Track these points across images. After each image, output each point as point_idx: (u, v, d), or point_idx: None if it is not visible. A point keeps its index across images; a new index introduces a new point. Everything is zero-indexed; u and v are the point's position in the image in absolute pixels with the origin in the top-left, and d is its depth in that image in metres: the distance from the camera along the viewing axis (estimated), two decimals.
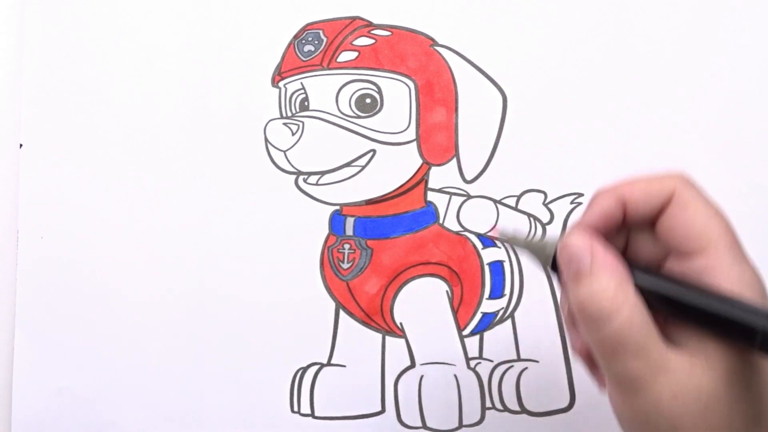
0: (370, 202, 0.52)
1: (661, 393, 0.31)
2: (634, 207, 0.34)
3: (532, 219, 0.51)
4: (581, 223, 0.35)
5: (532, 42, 0.52)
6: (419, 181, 0.52)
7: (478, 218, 0.51)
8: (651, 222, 0.34)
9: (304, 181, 0.52)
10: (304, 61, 0.52)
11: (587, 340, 0.33)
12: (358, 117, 0.52)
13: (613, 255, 0.33)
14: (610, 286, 0.32)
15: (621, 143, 0.50)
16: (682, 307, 0.32)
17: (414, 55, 0.52)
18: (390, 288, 0.51)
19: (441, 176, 0.51)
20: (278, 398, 0.51)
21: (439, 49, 0.52)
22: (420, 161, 0.52)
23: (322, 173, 0.52)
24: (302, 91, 0.52)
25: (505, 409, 0.50)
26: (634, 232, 0.35)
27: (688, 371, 0.31)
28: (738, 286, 0.32)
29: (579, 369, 0.50)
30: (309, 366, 0.51)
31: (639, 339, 0.31)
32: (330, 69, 0.52)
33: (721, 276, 0.32)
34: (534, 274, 0.51)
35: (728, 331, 0.31)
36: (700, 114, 0.49)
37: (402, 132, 0.52)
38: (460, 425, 0.50)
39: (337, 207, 0.52)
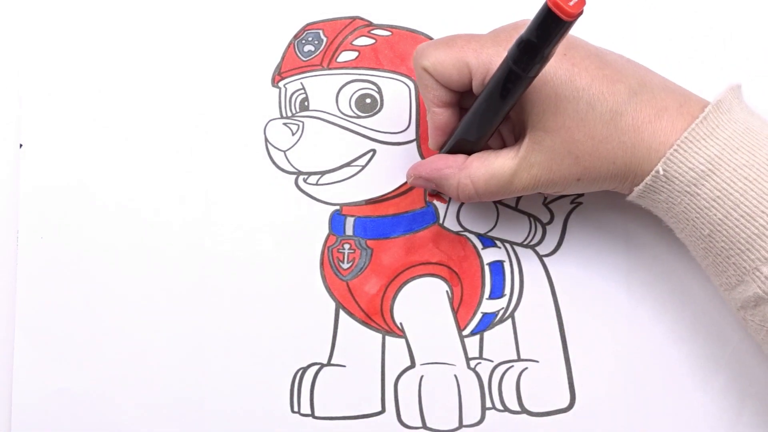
0: (370, 202, 0.52)
1: (513, 181, 0.44)
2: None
3: (532, 219, 0.51)
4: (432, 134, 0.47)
5: None
6: None
7: (478, 218, 0.51)
8: None
9: (304, 181, 0.52)
10: (304, 61, 0.52)
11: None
12: (358, 117, 0.52)
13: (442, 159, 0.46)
14: (453, 184, 0.46)
15: None
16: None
17: None
18: (390, 288, 0.51)
19: None
20: (278, 398, 0.51)
21: None
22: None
23: (322, 173, 0.52)
24: (302, 91, 0.52)
25: (505, 409, 0.50)
26: None
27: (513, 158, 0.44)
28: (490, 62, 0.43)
29: (579, 369, 0.50)
30: (309, 366, 0.51)
31: (489, 188, 0.45)
32: (330, 69, 0.52)
33: (491, 71, 0.43)
34: (534, 274, 0.51)
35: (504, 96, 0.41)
36: None
37: (402, 132, 0.52)
38: (460, 425, 0.50)
39: (337, 207, 0.52)
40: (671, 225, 0.44)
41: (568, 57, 0.42)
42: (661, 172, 0.41)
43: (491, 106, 0.43)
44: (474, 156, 0.45)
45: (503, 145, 0.47)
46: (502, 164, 0.44)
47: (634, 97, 0.42)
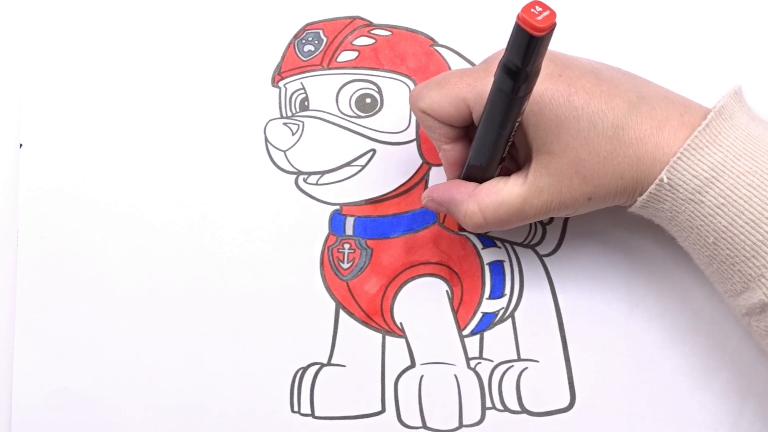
0: (370, 201, 0.52)
1: (523, 209, 0.44)
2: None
3: None
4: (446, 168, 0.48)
5: None
6: (419, 181, 0.52)
7: None
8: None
9: (304, 181, 0.52)
10: (304, 60, 0.52)
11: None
12: (358, 117, 0.52)
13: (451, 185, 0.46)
14: (462, 210, 0.45)
15: None
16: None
17: (414, 55, 0.52)
18: (390, 288, 0.51)
19: (441, 176, 0.51)
20: (278, 398, 0.51)
21: (439, 49, 0.52)
22: (420, 161, 0.52)
23: (322, 173, 0.52)
24: (302, 90, 0.52)
25: (506, 409, 0.50)
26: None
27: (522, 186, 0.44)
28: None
29: (579, 369, 0.50)
30: (309, 366, 0.51)
31: (498, 216, 0.44)
32: (330, 69, 0.52)
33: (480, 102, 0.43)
34: (534, 274, 0.51)
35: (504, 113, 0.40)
36: None
37: (402, 132, 0.52)
38: (460, 425, 0.50)
39: (337, 207, 0.52)
40: (674, 234, 0.44)
41: (563, 77, 0.42)
42: (665, 181, 0.41)
43: (490, 132, 0.42)
44: (484, 184, 0.45)
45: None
46: (510, 191, 0.44)
47: (634, 110, 0.42)
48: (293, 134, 0.52)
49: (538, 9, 0.35)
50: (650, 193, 0.42)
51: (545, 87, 0.42)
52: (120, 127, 0.53)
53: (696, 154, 0.41)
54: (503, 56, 0.38)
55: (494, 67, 0.41)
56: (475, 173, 0.46)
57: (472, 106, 0.43)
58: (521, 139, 0.44)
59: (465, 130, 0.46)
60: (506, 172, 0.46)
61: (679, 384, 0.50)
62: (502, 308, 0.51)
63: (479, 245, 0.51)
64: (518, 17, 0.35)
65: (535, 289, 0.51)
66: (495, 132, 0.42)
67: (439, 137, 0.46)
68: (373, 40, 0.52)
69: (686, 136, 0.41)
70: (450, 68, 0.52)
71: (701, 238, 0.42)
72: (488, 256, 0.51)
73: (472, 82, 0.44)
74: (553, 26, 0.35)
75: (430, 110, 0.44)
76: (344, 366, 0.51)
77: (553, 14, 0.35)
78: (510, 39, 0.37)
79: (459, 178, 0.47)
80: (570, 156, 0.42)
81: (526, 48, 0.36)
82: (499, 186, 0.44)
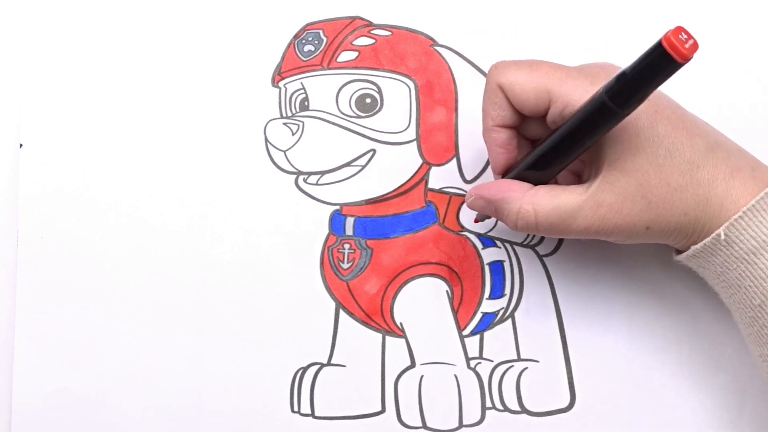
0: (370, 201, 0.52)
1: (582, 223, 0.43)
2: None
3: None
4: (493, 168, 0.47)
5: (532, 42, 0.52)
6: (419, 181, 0.52)
7: None
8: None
9: (304, 181, 0.52)
10: (304, 61, 0.52)
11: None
12: (358, 117, 0.52)
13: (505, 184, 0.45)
14: (514, 209, 0.44)
15: None
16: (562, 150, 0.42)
17: (414, 55, 0.52)
18: (390, 288, 0.51)
19: (441, 176, 0.51)
20: (278, 398, 0.51)
21: (439, 49, 0.52)
22: (420, 161, 0.52)
23: (322, 173, 0.52)
24: (302, 91, 0.52)
25: (505, 409, 0.50)
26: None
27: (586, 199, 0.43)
28: (581, 95, 0.41)
29: (579, 369, 0.50)
30: (309, 366, 0.51)
31: (550, 220, 0.43)
32: (330, 69, 0.52)
33: (573, 103, 0.42)
34: (534, 274, 0.51)
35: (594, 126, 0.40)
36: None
37: (402, 132, 0.52)
38: (460, 425, 0.50)
39: (337, 207, 0.52)
40: (718, 289, 0.44)
41: (651, 103, 0.41)
42: (723, 237, 0.41)
43: (573, 139, 0.42)
44: (541, 186, 0.44)
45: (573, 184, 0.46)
46: (569, 198, 0.43)
47: (711, 152, 0.42)
48: (293, 134, 0.52)
49: (685, 36, 0.35)
50: (705, 244, 0.42)
51: None
52: (120, 127, 0.53)
53: (758, 216, 0.41)
54: (627, 68, 0.37)
55: (589, 74, 0.41)
56: (529, 177, 0.44)
57: (554, 101, 0.43)
58: (590, 154, 0.43)
59: (521, 121, 0.45)
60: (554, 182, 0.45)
61: (679, 384, 0.50)
62: (502, 308, 0.51)
63: (479, 245, 0.51)
64: (665, 39, 0.35)
65: (535, 289, 0.51)
66: (579, 141, 0.41)
67: (496, 116, 0.44)
68: (373, 40, 0.52)
69: (755, 190, 0.41)
70: (450, 68, 0.52)
71: (748, 299, 0.42)
72: (488, 256, 0.51)
73: (563, 77, 0.43)
74: (692, 57, 0.35)
75: (508, 87, 0.43)
76: (344, 366, 0.51)
77: (696, 45, 0.35)
78: (644, 56, 0.36)
79: (507, 175, 0.46)
80: (640, 179, 0.42)
81: (660, 69, 0.36)
82: (558, 191, 0.43)
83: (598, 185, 0.42)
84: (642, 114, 0.41)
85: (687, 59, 0.35)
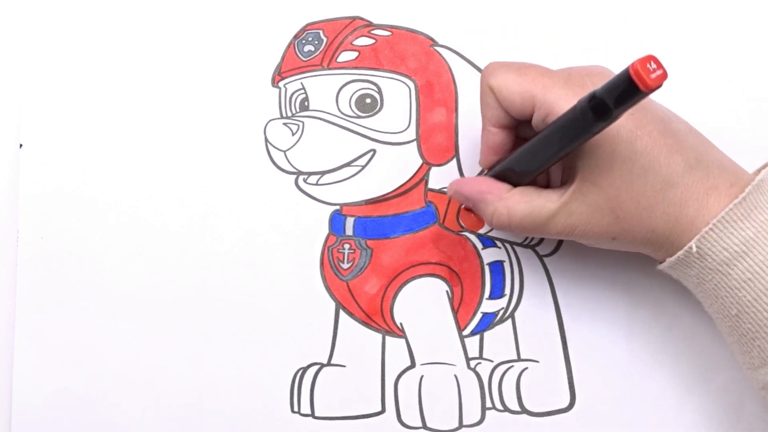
0: (370, 202, 0.52)
1: (556, 225, 0.44)
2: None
3: None
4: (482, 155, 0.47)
5: (532, 42, 0.52)
6: (419, 181, 0.52)
7: (478, 218, 0.51)
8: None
9: (304, 181, 0.52)
10: (304, 61, 0.52)
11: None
12: (358, 117, 0.52)
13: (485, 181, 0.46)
14: (490, 210, 0.45)
15: None
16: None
17: (414, 55, 0.52)
18: (390, 288, 0.51)
19: (441, 176, 0.51)
20: (278, 398, 0.51)
21: (439, 49, 0.52)
22: (420, 161, 0.52)
23: (322, 173, 0.52)
24: (302, 91, 0.52)
25: (505, 409, 0.50)
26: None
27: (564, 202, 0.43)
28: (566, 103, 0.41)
29: (579, 369, 0.50)
30: (309, 366, 0.51)
31: (523, 224, 0.44)
32: (330, 69, 0.52)
33: (556, 112, 0.42)
34: (534, 274, 0.51)
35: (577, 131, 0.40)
36: (703, 118, 0.49)
37: (402, 132, 0.52)
38: (460, 425, 0.50)
39: (337, 207, 0.52)
40: (700, 298, 0.44)
41: (634, 117, 0.42)
42: (694, 250, 0.41)
43: (548, 147, 0.42)
44: (517, 189, 0.45)
45: (548, 185, 0.47)
46: (543, 205, 0.44)
47: (689, 171, 0.42)
48: (293, 134, 0.52)
49: (653, 66, 0.35)
50: (678, 257, 0.42)
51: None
52: (120, 127, 0.53)
53: (729, 227, 0.41)
54: (597, 90, 0.38)
55: (574, 83, 0.42)
56: (510, 175, 0.46)
57: (537, 107, 0.43)
58: (568, 159, 0.44)
59: (516, 122, 0.46)
60: (533, 182, 0.46)
61: (678, 384, 0.50)
62: (502, 308, 0.51)
63: (479, 245, 0.51)
64: (632, 68, 0.35)
65: (535, 290, 0.51)
66: (555, 148, 0.42)
67: (491, 117, 0.45)
68: (373, 41, 0.52)
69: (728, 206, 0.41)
70: (450, 68, 0.52)
71: (725, 309, 0.42)
72: (488, 256, 0.51)
73: (549, 84, 0.43)
74: (660, 86, 0.35)
75: (497, 89, 0.44)
76: (344, 366, 0.51)
77: (665, 75, 0.35)
78: (614, 81, 0.37)
79: (489, 171, 0.47)
80: (611, 193, 0.42)
81: (626, 97, 0.36)
82: (533, 196, 0.44)
83: (570, 195, 0.43)
84: (622, 128, 0.42)
85: (651, 90, 0.35)
